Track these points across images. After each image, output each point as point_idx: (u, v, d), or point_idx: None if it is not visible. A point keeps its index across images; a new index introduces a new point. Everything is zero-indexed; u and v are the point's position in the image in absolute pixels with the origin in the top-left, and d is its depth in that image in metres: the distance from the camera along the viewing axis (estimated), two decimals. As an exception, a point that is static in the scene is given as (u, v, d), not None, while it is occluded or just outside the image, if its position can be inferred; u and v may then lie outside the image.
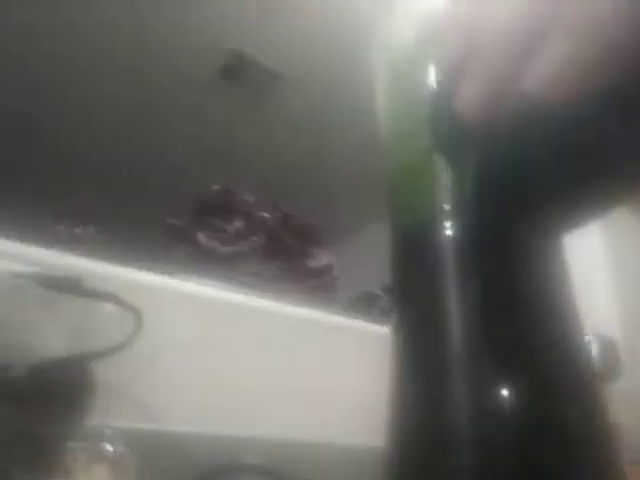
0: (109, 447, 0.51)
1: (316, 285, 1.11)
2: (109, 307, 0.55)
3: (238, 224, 1.06)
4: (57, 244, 0.69)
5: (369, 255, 1.58)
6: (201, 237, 1.01)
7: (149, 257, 0.83)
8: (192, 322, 0.74)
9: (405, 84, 0.30)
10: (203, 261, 1.01)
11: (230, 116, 1.45)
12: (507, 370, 0.23)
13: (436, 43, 0.28)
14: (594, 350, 0.92)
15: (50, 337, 0.51)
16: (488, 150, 0.24)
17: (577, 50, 0.18)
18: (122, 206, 1.23)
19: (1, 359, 0.49)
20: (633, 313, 1.18)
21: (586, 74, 0.18)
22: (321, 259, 1.14)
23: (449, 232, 0.25)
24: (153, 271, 0.81)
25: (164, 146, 1.43)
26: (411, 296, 0.27)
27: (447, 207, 0.26)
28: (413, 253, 0.27)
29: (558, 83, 0.19)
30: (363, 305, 1.31)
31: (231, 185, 1.11)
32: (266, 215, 1.10)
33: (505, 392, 0.22)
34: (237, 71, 1.40)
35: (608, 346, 0.96)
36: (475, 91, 0.21)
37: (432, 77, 0.28)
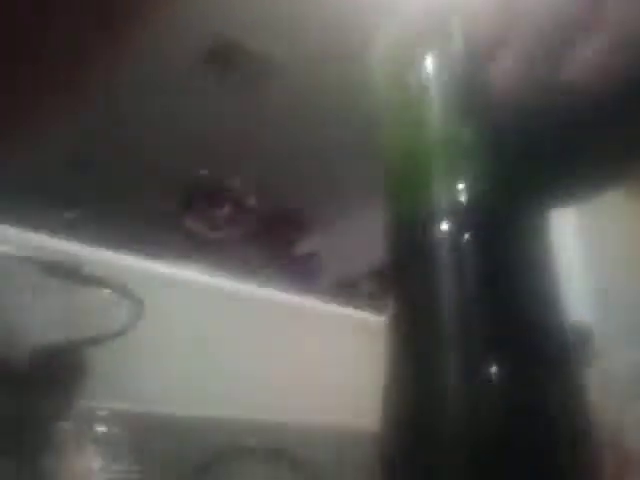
0: (102, 428, 0.52)
1: (301, 272, 1.13)
2: (104, 294, 0.56)
3: (226, 211, 1.07)
4: (48, 229, 0.70)
5: (353, 241, 1.60)
6: (189, 223, 1.02)
7: (138, 242, 0.84)
8: (187, 308, 0.75)
9: (406, 76, 0.31)
10: (191, 247, 1.02)
11: (217, 102, 1.44)
12: (495, 352, 0.25)
13: (440, 35, 0.30)
14: (571, 333, 0.95)
15: (48, 322, 0.52)
16: (507, 127, 0.26)
17: (619, 42, 0.20)
18: (110, 191, 1.23)
19: (0, 343, 0.50)
20: (605, 299, 1.22)
21: (625, 66, 0.20)
22: (307, 246, 1.16)
23: (444, 227, 0.27)
24: (143, 257, 0.82)
25: (151, 132, 1.42)
26: (406, 286, 0.30)
27: (443, 204, 0.28)
28: (409, 245, 0.29)
29: (599, 73, 0.20)
30: (347, 291, 1.34)
31: (219, 172, 1.12)
32: (254, 203, 1.11)
33: (492, 373, 0.25)
34: (224, 56, 1.39)
35: (584, 330, 1.01)
36: (511, 67, 0.22)
37: (434, 68, 0.29)
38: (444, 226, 0.28)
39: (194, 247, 1.00)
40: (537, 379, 0.26)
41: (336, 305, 1.00)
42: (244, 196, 1.12)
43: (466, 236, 0.27)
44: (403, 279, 0.30)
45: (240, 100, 1.54)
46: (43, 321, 0.51)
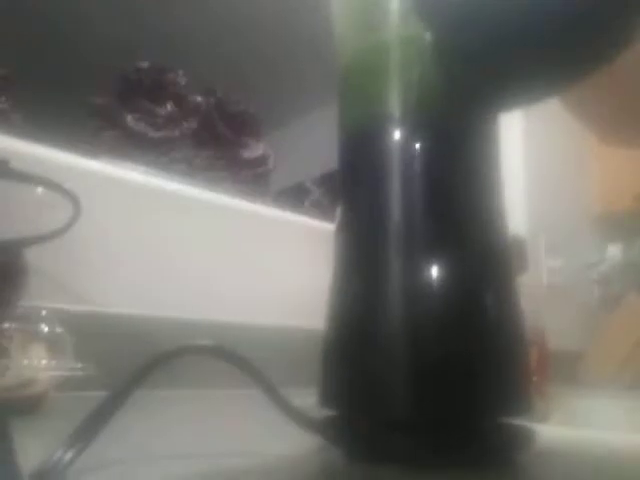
0: (45, 327, 0.52)
1: (248, 176, 1.11)
2: (38, 192, 0.53)
3: (169, 108, 1.01)
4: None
5: (301, 147, 1.57)
6: (130, 120, 0.96)
7: (73, 139, 0.79)
8: (126, 208, 0.73)
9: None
10: (132, 145, 0.97)
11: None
12: (437, 257, 0.26)
13: None
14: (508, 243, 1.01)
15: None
16: (459, 32, 0.25)
17: None
18: (42, 80, 1.13)
19: None
20: (536, 213, 1.28)
21: None
22: (255, 150, 1.13)
23: (395, 134, 0.27)
24: (80, 154, 0.78)
25: (90, 16, 1.30)
26: (355, 192, 0.29)
27: (395, 110, 0.27)
28: (360, 151, 0.29)
29: None
30: (294, 197, 1.33)
31: (162, 64, 1.04)
32: (199, 100, 1.05)
33: (433, 277, 0.25)
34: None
35: (518, 242, 1.06)
36: None
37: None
38: (395, 133, 0.27)
39: (134, 145, 0.95)
40: (475, 284, 0.27)
41: (284, 210, 1.00)
42: (188, 93, 1.06)
43: (416, 143, 0.27)
44: (352, 185, 0.30)
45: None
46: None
